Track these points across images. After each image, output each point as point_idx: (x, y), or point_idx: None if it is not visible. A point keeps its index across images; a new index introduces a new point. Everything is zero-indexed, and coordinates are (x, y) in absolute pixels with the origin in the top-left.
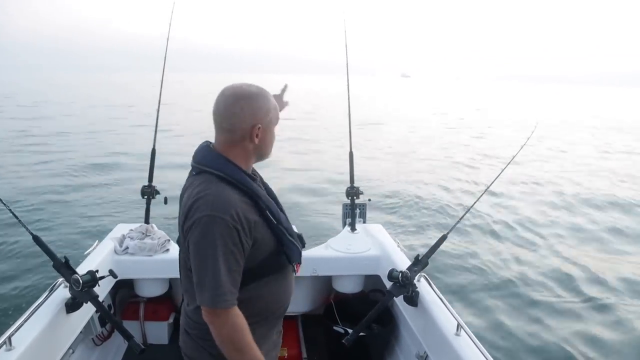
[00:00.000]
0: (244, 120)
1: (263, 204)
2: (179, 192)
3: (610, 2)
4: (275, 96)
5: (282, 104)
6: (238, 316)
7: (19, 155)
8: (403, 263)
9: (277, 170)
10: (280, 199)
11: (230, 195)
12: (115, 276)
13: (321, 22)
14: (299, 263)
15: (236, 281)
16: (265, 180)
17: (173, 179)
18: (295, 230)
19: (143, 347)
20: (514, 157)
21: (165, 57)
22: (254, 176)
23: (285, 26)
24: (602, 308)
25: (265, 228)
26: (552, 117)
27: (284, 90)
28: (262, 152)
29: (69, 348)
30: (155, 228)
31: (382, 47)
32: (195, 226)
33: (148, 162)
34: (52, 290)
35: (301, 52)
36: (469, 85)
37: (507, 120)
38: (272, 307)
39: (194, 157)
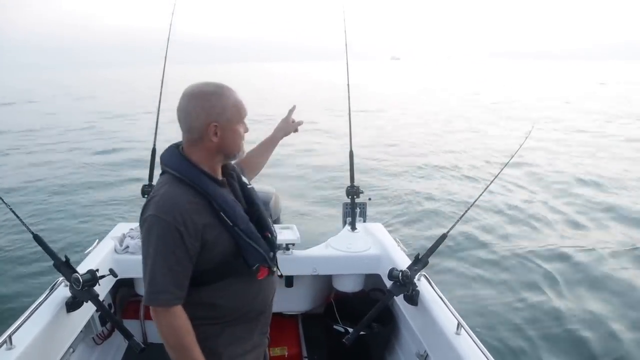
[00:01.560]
0: (198, 119)
1: (217, 205)
2: None
3: None
4: (283, 118)
5: (290, 126)
6: (176, 316)
7: (19, 154)
8: (403, 262)
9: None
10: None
11: (178, 197)
12: (115, 275)
13: (315, 10)
14: (266, 267)
15: (177, 281)
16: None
17: None
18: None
19: (143, 346)
20: (512, 157)
21: (165, 58)
22: (224, 175)
23: (278, 13)
24: (607, 307)
25: (221, 230)
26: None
27: (291, 111)
28: (227, 151)
29: (70, 347)
30: None
31: (371, 29)
32: (142, 225)
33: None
34: (52, 289)
35: (291, 39)
36: (460, 63)
37: (505, 106)
38: (239, 310)
39: (160, 157)
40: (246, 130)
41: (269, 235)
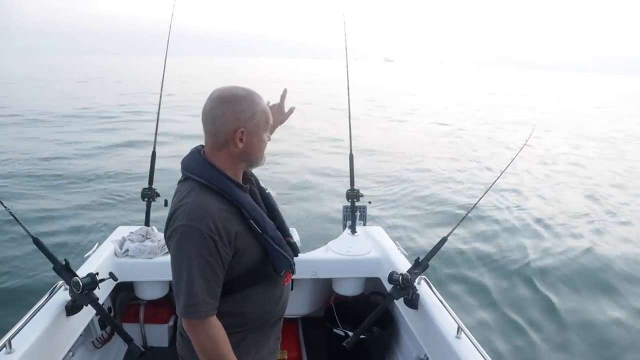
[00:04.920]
0: (226, 123)
1: (247, 213)
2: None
3: None
4: (274, 105)
5: (283, 112)
6: (213, 326)
7: (18, 156)
8: (403, 265)
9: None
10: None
11: (209, 205)
12: (115, 279)
13: (314, 8)
14: (291, 272)
15: (213, 291)
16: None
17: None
18: (297, 237)
19: (143, 349)
20: (512, 160)
21: (165, 58)
22: (244, 181)
23: (280, 10)
24: (610, 311)
25: (250, 237)
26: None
27: (283, 97)
28: (250, 159)
29: (69, 351)
30: (156, 230)
31: (365, 31)
32: (173, 236)
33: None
34: (52, 293)
35: (291, 35)
36: (452, 69)
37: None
38: (263, 316)
39: (182, 162)
40: (269, 138)
41: (290, 240)
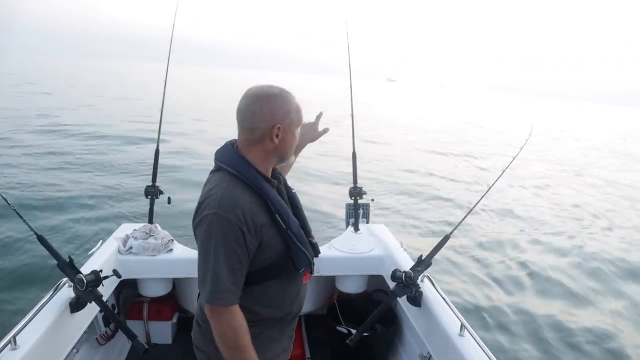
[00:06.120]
0: (264, 120)
1: (273, 207)
2: (181, 192)
3: (599, 19)
4: (308, 124)
5: (316, 133)
6: (236, 315)
7: (21, 152)
8: (406, 263)
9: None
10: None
11: (239, 195)
12: (119, 276)
13: (319, 22)
14: (309, 272)
15: (238, 280)
16: None
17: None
18: (314, 239)
19: (147, 346)
20: (514, 159)
21: (168, 61)
22: (272, 178)
23: (284, 24)
24: (614, 312)
25: (274, 231)
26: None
27: (318, 118)
28: (282, 153)
29: (73, 347)
30: (159, 228)
31: (368, 51)
32: (202, 223)
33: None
34: (56, 290)
35: (297, 51)
36: (454, 93)
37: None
38: (280, 313)
39: (216, 153)
40: (298, 134)
41: (312, 240)
